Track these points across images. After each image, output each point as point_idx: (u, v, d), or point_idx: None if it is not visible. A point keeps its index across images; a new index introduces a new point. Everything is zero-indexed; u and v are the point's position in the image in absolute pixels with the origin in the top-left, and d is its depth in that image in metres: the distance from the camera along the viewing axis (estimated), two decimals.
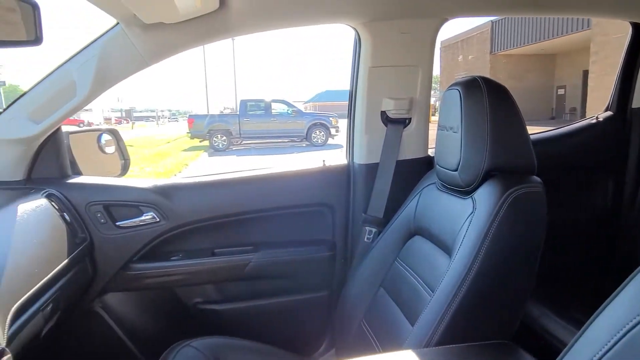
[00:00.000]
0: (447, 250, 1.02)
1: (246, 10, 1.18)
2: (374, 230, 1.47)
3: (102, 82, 1.19)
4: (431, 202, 1.18)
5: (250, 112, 14.03)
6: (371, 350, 1.18)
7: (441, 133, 1.13)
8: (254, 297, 1.54)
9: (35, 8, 0.98)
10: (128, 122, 35.38)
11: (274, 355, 1.31)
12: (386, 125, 1.48)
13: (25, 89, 1.24)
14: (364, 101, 1.47)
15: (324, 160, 1.58)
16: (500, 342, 0.89)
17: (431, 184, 1.22)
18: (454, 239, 0.97)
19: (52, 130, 1.27)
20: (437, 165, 1.15)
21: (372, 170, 1.49)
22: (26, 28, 0.96)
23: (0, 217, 1.02)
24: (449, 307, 0.88)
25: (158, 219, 1.38)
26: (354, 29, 1.43)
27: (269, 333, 1.48)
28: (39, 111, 1.20)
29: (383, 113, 1.48)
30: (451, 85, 1.08)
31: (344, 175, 1.56)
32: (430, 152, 1.54)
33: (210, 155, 12.38)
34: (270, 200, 1.49)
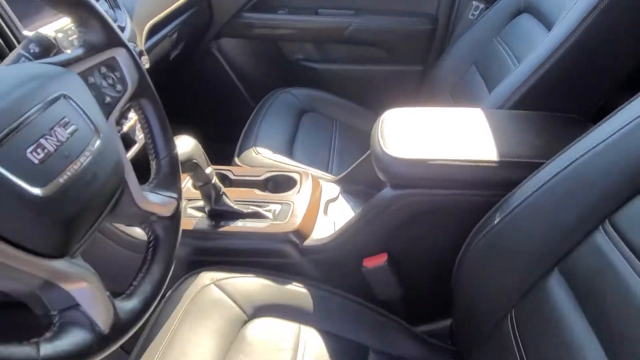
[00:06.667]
0: (551, 26, 0.96)
1: None
2: (480, 5, 1.39)
3: None
4: None
5: None
6: None
7: None
8: (350, 62, 1.63)
9: None
10: None
11: (361, 114, 1.46)
12: None
13: None
14: None
15: None
16: (574, 117, 0.90)
17: None
18: (560, 11, 0.91)
19: None
20: None
21: None
22: None
23: None
24: (531, 76, 0.87)
25: None
26: None
27: (360, 96, 1.60)
28: None
29: None
30: None
31: None
32: None
33: None
34: None
